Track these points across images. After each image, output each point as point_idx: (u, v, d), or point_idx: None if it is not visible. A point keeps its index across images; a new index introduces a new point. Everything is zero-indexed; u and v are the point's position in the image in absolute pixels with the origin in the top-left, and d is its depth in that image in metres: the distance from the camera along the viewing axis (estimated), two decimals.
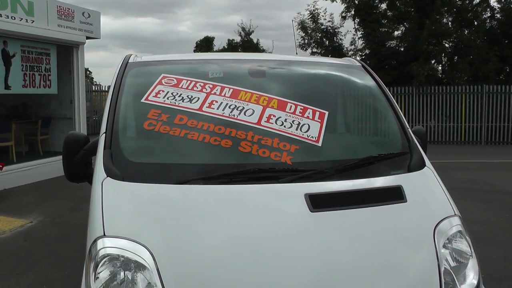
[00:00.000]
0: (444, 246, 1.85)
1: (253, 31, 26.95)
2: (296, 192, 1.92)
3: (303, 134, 2.31)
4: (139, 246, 1.68)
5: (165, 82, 2.62)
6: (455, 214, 2.02)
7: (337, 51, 21.93)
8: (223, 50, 28.16)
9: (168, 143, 2.33)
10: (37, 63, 9.31)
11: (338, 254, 1.73)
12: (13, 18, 8.58)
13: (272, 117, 2.39)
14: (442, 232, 1.89)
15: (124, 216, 1.88)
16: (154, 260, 1.64)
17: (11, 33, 8.58)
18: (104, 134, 2.31)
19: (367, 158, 2.23)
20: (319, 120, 2.41)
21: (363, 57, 21.29)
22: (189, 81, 2.62)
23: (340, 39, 21.94)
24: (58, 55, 9.87)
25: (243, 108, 2.42)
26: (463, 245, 1.92)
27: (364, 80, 2.91)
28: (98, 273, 1.66)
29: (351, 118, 2.75)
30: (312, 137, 2.30)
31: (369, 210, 1.92)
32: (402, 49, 20.20)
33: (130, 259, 1.66)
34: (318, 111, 2.47)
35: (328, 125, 2.39)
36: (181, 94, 2.52)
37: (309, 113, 2.45)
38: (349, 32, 26.57)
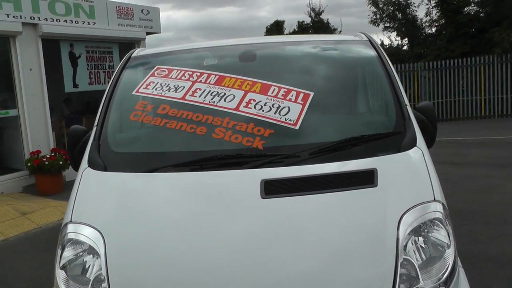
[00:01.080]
0: (410, 234, 1.67)
1: (323, 11, 26.15)
2: (254, 178, 1.86)
3: (281, 118, 2.22)
4: (96, 233, 1.77)
5: (157, 74, 2.67)
6: (434, 200, 1.81)
7: (410, 23, 20.64)
8: (293, 32, 27.80)
9: (149, 133, 2.40)
10: (101, 61, 10.03)
11: (282, 242, 1.65)
12: (76, 22, 9.28)
13: (252, 101, 2.32)
14: (410, 220, 1.70)
15: (90, 204, 1.98)
16: (105, 246, 1.71)
17: (76, 36, 9.31)
18: (95, 127, 2.44)
19: (348, 140, 2.09)
20: (302, 102, 2.29)
21: (438, 27, 19.76)
22: (178, 71, 2.65)
23: (414, 10, 20.58)
24: (121, 52, 10.48)
25: (225, 94, 2.39)
26: (437, 234, 1.72)
27: (365, 56, 2.70)
28: (62, 255, 1.79)
29: (343, 97, 2.55)
30: (290, 120, 2.20)
31: (327, 196, 1.80)
32: (482, 14, 18.36)
33: (87, 244, 1.75)
34: (303, 92, 2.35)
35: (312, 107, 2.26)
36: (168, 84, 2.55)
37: (292, 95, 2.34)
38: (422, 3, 24.79)
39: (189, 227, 1.77)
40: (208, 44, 3.17)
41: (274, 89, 2.39)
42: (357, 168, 1.91)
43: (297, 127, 2.17)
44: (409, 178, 1.93)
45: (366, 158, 1.98)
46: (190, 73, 2.62)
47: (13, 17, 7.87)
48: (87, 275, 1.69)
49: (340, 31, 26.15)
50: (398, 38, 22.40)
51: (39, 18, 8.38)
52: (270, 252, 1.65)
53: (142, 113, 2.42)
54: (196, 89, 2.48)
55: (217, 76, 2.53)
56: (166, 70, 2.69)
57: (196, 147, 2.21)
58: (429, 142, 2.51)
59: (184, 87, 2.51)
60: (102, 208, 1.92)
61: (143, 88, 2.58)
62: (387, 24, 21.65)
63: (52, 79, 8.87)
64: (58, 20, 8.83)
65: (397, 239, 1.64)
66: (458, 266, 1.78)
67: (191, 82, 2.54)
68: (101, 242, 1.73)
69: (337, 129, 2.29)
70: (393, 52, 20.63)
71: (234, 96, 2.37)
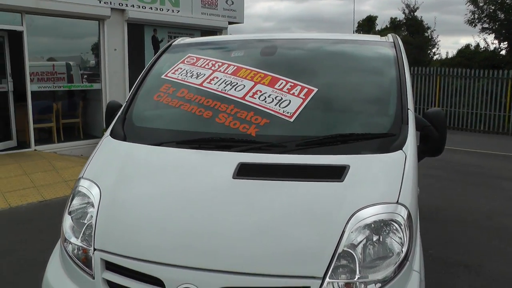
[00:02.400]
0: (360, 230, 1.71)
1: (417, 8, 24.86)
2: (234, 160, 2.04)
3: (279, 109, 2.36)
4: (97, 190, 2.09)
5: (186, 61, 2.94)
6: (397, 202, 1.82)
7: None
8: (385, 29, 26.83)
9: (164, 112, 2.69)
10: None
11: (239, 218, 1.81)
12: (161, 9, 10.00)
13: (258, 92, 2.49)
14: (363, 216, 1.75)
15: (100, 165, 2.32)
16: (99, 201, 2.03)
17: (159, 22, 10.05)
18: (126, 102, 2.80)
19: (334, 136, 2.18)
20: (304, 97, 2.41)
21: None
22: (204, 60, 2.89)
23: None
24: None
25: (236, 83, 2.58)
26: (389, 236, 1.74)
27: (380, 58, 2.71)
28: (71, 204, 2.14)
29: (346, 96, 2.58)
30: (287, 112, 2.33)
31: (292, 183, 1.92)
32: None
33: (89, 198, 2.08)
34: (307, 88, 2.46)
35: (312, 102, 2.37)
36: (192, 71, 2.81)
37: (296, 90, 2.46)
38: None
39: (166, 193, 2.02)
40: (244, 37, 3.38)
41: (282, 82, 2.53)
42: (331, 163, 2.00)
43: (292, 120, 2.29)
44: (379, 178, 1.96)
45: (346, 155, 2.05)
46: (214, 62, 2.85)
47: (104, 3, 8.75)
48: (84, 221, 2.02)
49: (433, 30, 24.71)
50: (496, 41, 20.54)
51: (126, 4, 9.21)
52: (224, 217, 1.83)
53: (164, 94, 2.71)
54: (214, 77, 2.71)
55: (235, 67, 2.74)
56: (195, 59, 2.95)
57: (199, 128, 2.44)
58: (434, 149, 2.48)
59: (204, 74, 2.75)
60: (107, 170, 2.24)
61: (171, 73, 2.87)
62: (485, 25, 19.96)
63: (134, 59, 9.72)
64: (144, 7, 9.60)
65: (343, 231, 1.71)
66: (413, 274, 1.79)
67: (211, 71, 2.77)
68: (98, 197, 2.05)
69: (330, 125, 2.36)
70: (488, 56, 19.02)
71: (244, 86, 2.56)
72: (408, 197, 1.88)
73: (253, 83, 2.57)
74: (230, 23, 12.02)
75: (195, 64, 2.89)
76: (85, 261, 1.92)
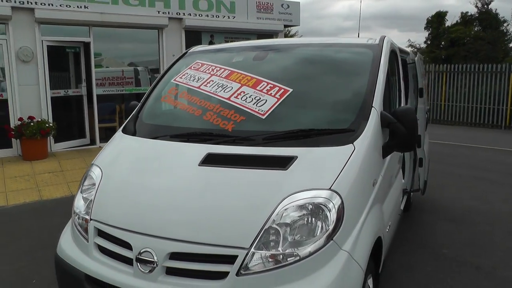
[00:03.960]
0: (290, 210, 1.98)
1: (492, 1, 23.27)
2: (206, 151, 2.41)
3: (256, 108, 2.67)
4: (99, 171, 2.60)
5: (193, 67, 3.36)
6: (329, 189, 2.05)
7: None
8: (456, 24, 25.47)
9: (165, 111, 3.13)
10: None
11: (193, 196, 2.19)
12: (217, 16, 10.63)
13: (242, 93, 2.83)
14: (296, 199, 2.01)
15: (107, 154, 2.84)
16: (100, 180, 2.52)
17: (215, 29, 10.69)
18: (140, 103, 3.30)
19: (295, 131, 2.45)
20: (278, 97, 2.70)
21: None
22: (207, 66, 3.28)
23: None
24: None
25: (226, 86, 2.94)
26: (315, 218, 1.98)
27: (358, 60, 2.91)
28: (84, 183, 2.66)
29: (318, 96, 2.79)
30: (261, 110, 2.64)
31: (244, 170, 2.22)
32: None
33: (93, 179, 2.59)
34: (283, 88, 2.75)
35: (285, 101, 2.66)
36: (195, 76, 3.21)
37: (274, 90, 2.76)
38: None
39: (145, 176, 2.47)
40: (247, 44, 3.73)
41: (264, 84, 2.85)
42: (283, 154, 2.28)
43: (264, 117, 2.60)
44: (320, 168, 2.19)
45: (300, 147, 2.32)
46: (213, 67, 3.23)
47: (162, 13, 9.56)
48: (89, 198, 2.52)
49: (509, 23, 22.90)
50: None
51: (183, 13, 9.95)
52: (182, 195, 2.23)
53: (169, 96, 3.17)
54: (210, 80, 3.09)
55: (229, 71, 3.09)
56: (200, 64, 3.36)
57: (189, 124, 2.85)
58: (403, 144, 2.63)
59: (203, 78, 3.15)
60: (111, 156, 2.77)
61: (179, 77, 3.30)
62: None
63: None
64: (200, 15, 10.30)
65: (274, 210, 1.98)
66: (340, 253, 2.00)
67: (209, 75, 3.15)
68: (99, 178, 2.55)
69: (296, 122, 2.62)
70: None
71: (232, 88, 2.91)
72: (345, 185, 2.11)
73: (240, 85, 2.91)
74: (285, 26, 12.37)
75: (199, 69, 3.29)
76: (85, 229, 2.42)
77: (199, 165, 2.33)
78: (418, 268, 3.84)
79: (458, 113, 15.05)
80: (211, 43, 10.92)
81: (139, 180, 2.46)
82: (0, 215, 5.30)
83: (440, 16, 26.28)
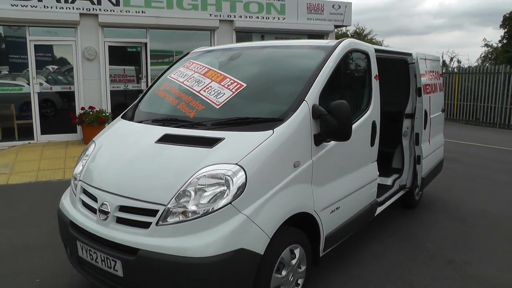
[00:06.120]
0: (200, 178, 2.49)
1: None
2: (163, 132, 3.01)
3: (215, 99, 3.20)
4: (94, 145, 3.33)
5: (185, 66, 3.96)
6: (236, 164, 2.51)
7: None
8: None
9: (156, 101, 3.77)
10: None
11: (139, 165, 2.81)
12: (267, 18, 11.20)
13: (209, 87, 3.37)
14: (208, 170, 2.51)
15: (103, 132, 3.56)
16: (91, 152, 3.25)
17: (266, 30, 11.27)
18: (140, 94, 4.00)
19: (235, 119, 2.95)
20: (234, 91, 3.20)
21: None
22: (196, 64, 3.85)
23: None
24: None
25: (200, 81, 3.51)
26: (218, 185, 2.47)
27: (307, 61, 3.30)
28: (82, 155, 3.39)
29: (266, 90, 3.25)
30: (218, 101, 3.16)
31: (182, 147, 2.77)
32: None
33: (89, 150, 3.33)
34: (239, 83, 3.25)
35: (237, 94, 3.15)
36: (184, 73, 3.82)
37: (233, 85, 3.26)
38: None
39: (118, 148, 3.17)
40: (234, 46, 4.26)
41: (227, 80, 3.36)
42: (216, 136, 2.79)
43: (218, 107, 3.13)
44: (237, 147, 2.65)
45: (232, 131, 2.82)
46: (199, 66, 3.81)
47: (214, 16, 10.35)
48: (84, 164, 3.24)
49: None
50: None
51: (234, 15, 10.66)
52: (134, 163, 2.88)
53: (162, 89, 3.81)
54: (192, 77, 3.67)
55: (207, 69, 3.65)
56: (191, 63, 3.95)
57: (166, 112, 3.47)
58: (335, 134, 3.00)
59: (188, 75, 3.74)
60: (105, 135, 3.49)
61: (173, 74, 3.93)
62: None
63: None
64: (250, 17, 10.94)
65: (190, 177, 2.51)
66: (238, 216, 2.46)
67: (193, 72, 3.74)
68: (93, 149, 3.28)
69: (240, 111, 3.09)
70: None
71: (204, 83, 3.47)
72: (252, 162, 2.57)
73: (210, 80, 3.46)
74: (336, 26, 12.57)
75: (189, 68, 3.89)
76: (76, 187, 3.15)
77: (155, 142, 2.94)
78: (391, 257, 4.07)
79: None
80: None
81: (114, 152, 3.15)
82: (58, 186, 6.37)
83: None
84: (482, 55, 23.54)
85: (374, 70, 3.87)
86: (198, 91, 3.41)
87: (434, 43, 59.23)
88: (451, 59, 18.85)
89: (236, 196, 2.48)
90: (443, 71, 16.99)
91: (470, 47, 61.31)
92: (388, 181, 4.90)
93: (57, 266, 3.78)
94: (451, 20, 59.55)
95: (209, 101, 3.23)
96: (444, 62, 19.23)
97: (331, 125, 2.94)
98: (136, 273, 2.53)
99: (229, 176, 2.51)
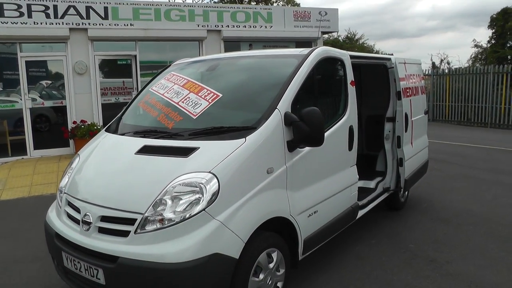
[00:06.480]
0: (176, 186, 2.59)
1: None
2: (142, 143, 3.11)
3: (192, 110, 3.30)
4: (78, 158, 3.44)
5: (166, 78, 4.06)
6: (209, 172, 2.62)
7: None
8: None
9: (138, 113, 3.88)
10: None
11: (118, 176, 2.92)
12: (254, 26, 11.37)
13: (187, 98, 3.48)
14: (183, 178, 2.61)
15: (88, 146, 3.65)
16: (76, 165, 3.35)
17: (253, 38, 11.44)
18: (125, 107, 4.10)
19: (210, 128, 3.05)
20: (210, 101, 3.31)
21: None
22: (175, 76, 3.96)
23: None
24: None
25: (179, 92, 3.61)
26: (190, 193, 2.57)
27: (280, 70, 3.42)
28: (68, 167, 3.49)
29: (240, 100, 3.38)
30: (195, 112, 3.27)
31: (160, 157, 2.89)
32: None
33: (73, 163, 3.44)
34: (215, 94, 3.36)
35: (213, 105, 3.26)
36: (164, 85, 3.92)
37: (209, 96, 3.37)
38: None
39: (103, 160, 3.29)
40: (214, 56, 4.38)
41: (204, 91, 3.47)
42: (191, 146, 2.89)
43: (195, 118, 3.24)
44: (211, 156, 2.75)
45: (207, 141, 2.92)
46: (179, 78, 3.91)
47: (202, 26, 10.51)
48: (69, 178, 3.34)
49: None
50: None
51: (222, 25, 10.82)
52: (115, 175, 2.99)
53: (143, 101, 3.91)
54: (172, 88, 3.78)
55: (186, 81, 3.76)
56: (172, 75, 4.06)
57: (147, 123, 3.58)
58: (307, 140, 3.10)
59: (168, 87, 3.85)
60: (89, 148, 3.57)
61: (154, 86, 4.03)
62: None
63: None
64: (238, 26, 11.11)
65: (166, 186, 2.60)
66: (212, 222, 2.55)
67: (173, 83, 3.85)
68: (77, 163, 3.38)
69: (215, 121, 3.19)
70: None
71: (183, 94, 3.58)
72: (225, 170, 2.67)
73: (188, 92, 3.57)
74: (323, 33, 12.75)
75: (169, 80, 4.00)
76: (61, 200, 3.24)
77: (135, 154, 3.04)
78: (373, 258, 4.16)
79: None
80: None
81: (97, 164, 3.26)
82: (51, 200, 6.43)
83: (506, 13, 24.53)
84: (472, 55, 23.73)
85: (350, 76, 3.98)
86: (177, 102, 3.51)
87: (428, 45, 59.67)
88: (441, 61, 19.04)
89: (210, 203, 2.57)
90: (434, 73, 17.18)
91: (463, 48, 61.77)
92: (371, 184, 5.00)
93: (46, 279, 3.85)
94: (444, 22, 60.03)
95: (187, 112, 3.33)
96: (433, 64, 19.40)
97: (303, 132, 3.03)
98: (117, 280, 2.62)
99: (202, 184, 2.61)
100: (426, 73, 17.67)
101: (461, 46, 58.88)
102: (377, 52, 33.24)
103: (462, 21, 58.10)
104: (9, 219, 5.79)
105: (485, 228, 4.90)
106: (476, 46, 23.58)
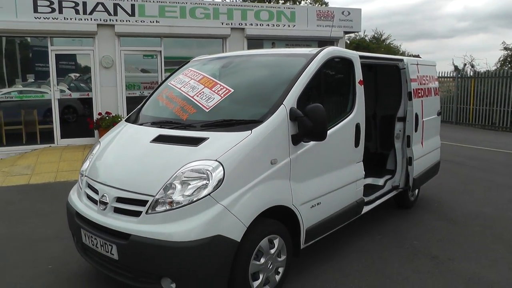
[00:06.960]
0: (185, 172, 2.81)
1: None
2: (158, 132, 3.36)
3: (205, 104, 3.53)
4: (99, 145, 3.71)
5: (184, 73, 4.31)
6: (216, 160, 2.83)
7: None
8: None
9: (156, 105, 4.13)
10: None
11: (134, 161, 3.18)
12: (277, 25, 11.54)
13: (201, 92, 3.71)
14: (191, 165, 2.84)
15: (108, 134, 3.93)
16: (97, 151, 3.64)
17: (276, 37, 11.61)
18: (144, 99, 4.38)
19: (221, 121, 3.27)
20: (222, 95, 3.53)
21: None
22: (193, 72, 4.20)
23: None
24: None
25: (195, 87, 3.85)
26: (197, 179, 2.79)
27: (290, 68, 3.59)
28: (90, 153, 3.78)
29: (251, 95, 3.57)
30: (207, 106, 3.50)
31: (174, 146, 3.12)
32: None
33: (95, 149, 3.73)
34: (227, 89, 3.57)
35: (225, 99, 3.48)
36: (182, 79, 4.18)
37: (222, 91, 3.59)
38: None
39: (122, 147, 3.56)
40: (229, 54, 4.59)
41: (217, 86, 3.69)
42: (201, 136, 3.11)
43: (207, 111, 3.46)
44: (219, 146, 2.96)
45: (216, 132, 3.14)
46: (195, 73, 4.15)
47: (226, 24, 10.74)
48: (90, 162, 3.63)
49: None
50: None
51: (245, 23, 11.03)
52: (131, 160, 3.25)
53: (161, 94, 4.17)
54: (188, 83, 4.02)
55: (202, 76, 3.99)
56: (190, 71, 4.30)
57: (163, 115, 3.82)
58: (311, 135, 3.27)
59: (185, 81, 4.09)
60: (109, 136, 3.85)
61: (173, 81, 4.29)
62: None
63: None
64: (261, 24, 11.29)
65: (176, 171, 2.84)
66: (216, 206, 2.76)
67: (190, 79, 4.09)
68: (98, 149, 3.67)
69: (226, 114, 3.41)
70: None
71: (198, 89, 3.81)
72: (230, 159, 2.88)
73: (203, 86, 3.80)
74: (346, 32, 12.79)
75: (187, 75, 4.24)
76: (82, 182, 3.53)
77: (150, 142, 3.30)
78: (376, 252, 4.29)
79: None
80: None
81: (116, 151, 3.54)
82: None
83: None
84: (501, 58, 23.11)
85: (359, 76, 4.13)
86: (192, 96, 3.75)
87: (458, 46, 58.17)
88: (464, 65, 18.67)
89: (215, 188, 2.79)
90: (458, 75, 16.92)
91: (495, 50, 59.97)
92: (380, 181, 5.13)
93: (68, 256, 4.16)
94: (476, 23, 58.49)
95: (200, 105, 3.56)
96: (456, 67, 19.03)
97: (307, 127, 3.22)
98: (129, 255, 2.88)
99: (209, 171, 2.83)
100: (451, 75, 17.44)
101: (492, 48, 57.30)
102: (403, 53, 32.81)
103: (495, 22, 56.53)
104: (36, 202, 6.19)
105: (493, 230, 4.95)
106: (505, 48, 22.99)
